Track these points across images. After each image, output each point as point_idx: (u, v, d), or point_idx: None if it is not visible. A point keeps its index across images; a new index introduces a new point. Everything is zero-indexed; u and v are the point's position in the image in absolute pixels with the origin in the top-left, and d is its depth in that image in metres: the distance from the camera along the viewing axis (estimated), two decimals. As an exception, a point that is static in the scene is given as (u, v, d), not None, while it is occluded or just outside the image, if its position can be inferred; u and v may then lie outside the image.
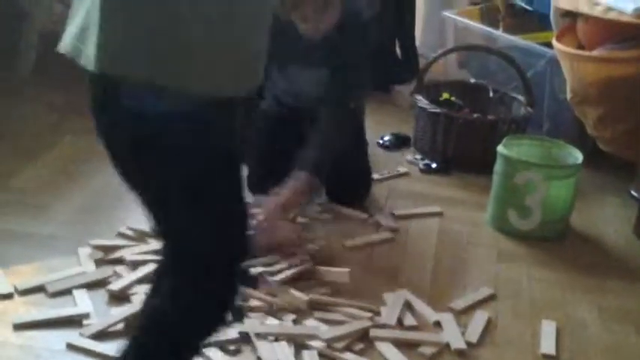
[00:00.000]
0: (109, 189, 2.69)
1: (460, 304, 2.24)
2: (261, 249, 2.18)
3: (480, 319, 2.19)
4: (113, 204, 2.57)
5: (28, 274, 2.18)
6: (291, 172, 2.36)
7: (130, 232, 2.40)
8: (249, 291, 2.09)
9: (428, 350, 2.04)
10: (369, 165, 2.80)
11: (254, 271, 2.19)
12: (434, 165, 3.10)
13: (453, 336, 2.09)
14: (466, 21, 3.67)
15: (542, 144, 2.82)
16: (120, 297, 2.12)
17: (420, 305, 2.21)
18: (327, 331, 2.04)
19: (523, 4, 3.51)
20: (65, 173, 2.77)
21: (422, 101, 3.09)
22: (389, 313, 2.15)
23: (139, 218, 2.49)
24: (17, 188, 2.65)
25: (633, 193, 2.70)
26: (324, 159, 2.39)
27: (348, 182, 2.65)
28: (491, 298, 2.30)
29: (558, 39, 2.99)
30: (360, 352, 2.00)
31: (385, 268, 2.41)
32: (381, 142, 3.22)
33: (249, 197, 2.12)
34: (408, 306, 2.21)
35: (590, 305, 2.33)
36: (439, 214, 2.76)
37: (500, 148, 2.68)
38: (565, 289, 2.40)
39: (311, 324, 2.08)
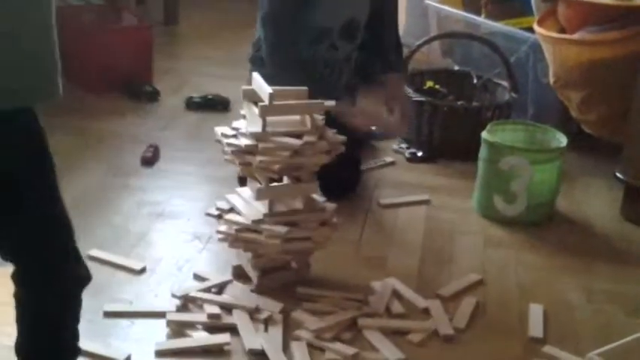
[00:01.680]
0: (95, 190, 2.70)
1: (448, 290, 2.25)
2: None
3: (467, 304, 2.19)
4: (99, 205, 2.58)
5: None
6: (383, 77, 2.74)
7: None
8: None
9: (416, 337, 2.04)
10: (359, 158, 2.82)
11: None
12: (420, 153, 3.10)
13: (441, 322, 2.10)
14: (448, 9, 3.67)
15: (527, 129, 2.83)
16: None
17: (407, 293, 2.22)
18: (315, 321, 2.04)
19: (505, -10, 3.52)
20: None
21: (406, 90, 3.09)
22: (377, 302, 2.16)
23: (124, 220, 2.53)
24: None
25: (619, 175, 2.71)
26: (402, 59, 2.84)
27: (340, 176, 2.65)
28: (479, 283, 2.31)
29: (540, 23, 2.99)
30: (349, 342, 2.00)
31: (373, 257, 2.42)
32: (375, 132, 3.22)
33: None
34: (395, 294, 2.22)
35: (577, 288, 2.34)
36: (426, 202, 2.77)
37: (484, 134, 2.68)
38: (552, 273, 2.41)
39: (299, 316, 2.08)
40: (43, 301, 1.53)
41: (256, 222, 2.10)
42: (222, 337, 1.98)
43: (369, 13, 2.68)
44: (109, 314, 2.05)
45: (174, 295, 2.11)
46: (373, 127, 2.89)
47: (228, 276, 2.24)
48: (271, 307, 2.10)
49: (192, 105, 3.42)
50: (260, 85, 2.11)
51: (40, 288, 1.51)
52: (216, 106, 3.41)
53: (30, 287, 1.52)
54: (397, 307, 2.16)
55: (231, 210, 2.19)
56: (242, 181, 2.45)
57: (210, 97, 3.45)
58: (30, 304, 1.54)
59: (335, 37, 2.63)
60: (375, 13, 2.71)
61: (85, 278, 1.56)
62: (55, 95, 1.44)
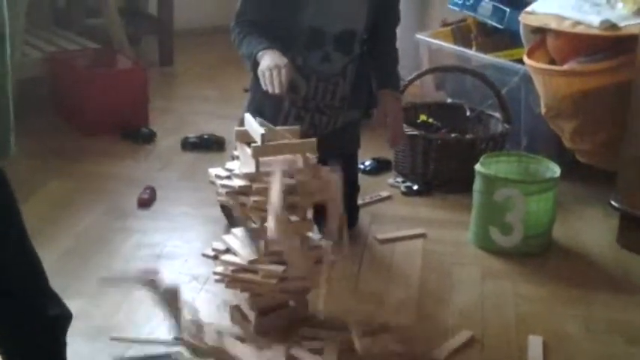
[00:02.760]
0: (93, 233, 2.71)
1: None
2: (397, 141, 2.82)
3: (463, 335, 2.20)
4: (97, 248, 2.59)
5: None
6: (377, 93, 2.70)
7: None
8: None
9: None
10: (357, 204, 2.84)
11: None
12: (415, 187, 3.12)
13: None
14: (439, 42, 3.71)
15: (520, 160, 2.84)
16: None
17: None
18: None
19: (494, 23, 3.55)
20: (48, 218, 2.78)
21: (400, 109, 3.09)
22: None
23: (123, 262, 2.54)
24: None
25: (613, 203, 2.72)
26: (398, 76, 2.81)
27: None
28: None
29: (529, 55, 3.02)
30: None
31: (371, 293, 2.42)
32: (362, 167, 3.23)
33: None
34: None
35: (576, 318, 2.34)
36: (422, 236, 2.77)
37: (477, 167, 2.70)
38: (550, 303, 2.41)
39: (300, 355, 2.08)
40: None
41: (252, 262, 2.11)
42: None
43: (365, 25, 2.63)
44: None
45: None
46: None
47: (226, 317, 2.24)
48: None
49: (187, 145, 3.44)
50: (252, 126, 2.12)
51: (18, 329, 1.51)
52: (212, 145, 3.43)
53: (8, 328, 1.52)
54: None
55: (228, 250, 2.20)
56: (228, 214, 2.46)
57: (205, 136, 3.48)
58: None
59: (329, 47, 2.59)
60: (375, 27, 2.68)
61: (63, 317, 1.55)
62: (7, 154, 1.43)
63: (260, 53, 2.42)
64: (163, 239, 2.68)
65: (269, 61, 2.37)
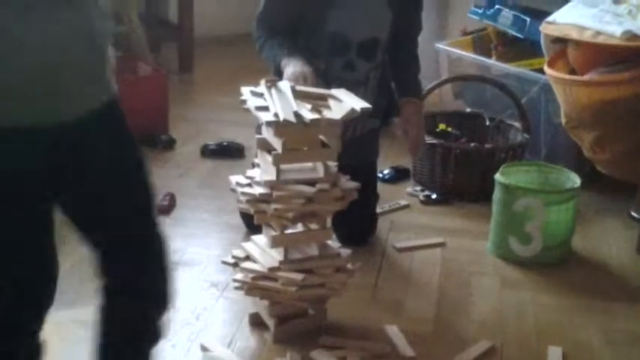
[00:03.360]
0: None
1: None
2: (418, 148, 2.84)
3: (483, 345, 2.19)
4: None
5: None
6: (399, 101, 2.73)
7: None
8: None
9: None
10: (376, 213, 2.84)
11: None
12: (434, 196, 3.12)
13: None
14: (459, 51, 3.71)
15: (540, 170, 2.84)
16: None
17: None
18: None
19: (514, 33, 3.54)
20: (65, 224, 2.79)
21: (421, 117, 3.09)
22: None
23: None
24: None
25: (633, 213, 2.71)
26: (419, 84, 2.81)
27: (357, 227, 2.67)
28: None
29: (550, 65, 3.01)
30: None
31: (389, 302, 2.42)
32: (380, 175, 3.24)
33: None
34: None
35: (596, 329, 2.33)
36: (441, 245, 2.77)
37: (497, 176, 2.69)
38: (570, 314, 2.40)
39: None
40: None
41: (272, 269, 2.12)
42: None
43: (389, 33, 2.64)
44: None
45: None
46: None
47: (245, 324, 2.25)
48: None
49: (207, 152, 3.46)
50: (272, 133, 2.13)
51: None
52: (232, 152, 3.45)
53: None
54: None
55: (247, 258, 2.21)
56: (248, 221, 2.46)
57: (225, 143, 3.49)
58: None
59: (353, 54, 2.60)
60: (397, 35, 2.68)
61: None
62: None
63: (284, 61, 2.43)
64: (183, 246, 2.69)
65: (294, 68, 2.38)
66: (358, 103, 2.11)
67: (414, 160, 3.23)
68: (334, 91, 2.22)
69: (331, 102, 2.14)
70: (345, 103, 2.12)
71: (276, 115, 2.00)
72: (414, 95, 2.74)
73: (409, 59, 2.77)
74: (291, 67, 2.39)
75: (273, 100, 2.08)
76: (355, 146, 2.64)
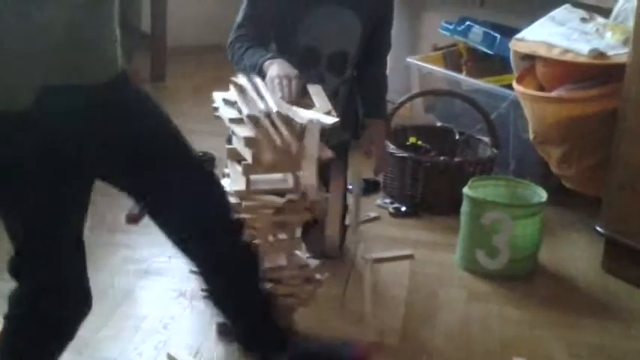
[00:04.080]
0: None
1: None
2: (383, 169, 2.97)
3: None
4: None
5: None
6: (366, 120, 2.75)
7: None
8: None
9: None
10: (345, 225, 2.85)
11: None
12: (403, 208, 3.14)
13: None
14: (430, 66, 3.75)
15: (507, 184, 2.87)
16: None
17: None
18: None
19: (484, 49, 3.59)
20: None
21: (389, 146, 3.13)
22: None
23: (109, 277, 2.53)
24: None
25: (598, 228, 2.74)
26: (386, 104, 2.83)
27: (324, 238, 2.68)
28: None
29: (519, 81, 3.06)
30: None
31: (357, 313, 2.43)
32: (350, 188, 3.25)
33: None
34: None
35: (560, 342, 2.35)
36: (410, 257, 2.79)
37: (465, 190, 2.72)
38: (535, 327, 2.43)
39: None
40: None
41: (240, 279, 2.12)
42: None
43: (358, 48, 2.65)
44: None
45: None
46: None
47: (213, 334, 2.25)
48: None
49: (178, 162, 3.44)
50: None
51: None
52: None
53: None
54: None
55: (216, 267, 2.21)
56: None
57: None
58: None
59: (322, 68, 2.61)
60: (365, 53, 2.70)
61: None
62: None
63: (267, 62, 2.37)
64: (151, 255, 2.69)
65: (278, 69, 2.31)
66: (328, 118, 2.12)
67: (384, 173, 3.25)
68: (310, 88, 2.22)
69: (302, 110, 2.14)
70: (317, 112, 2.13)
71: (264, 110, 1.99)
72: (380, 116, 2.77)
73: (377, 78, 2.78)
74: (276, 68, 2.32)
75: (247, 99, 2.08)
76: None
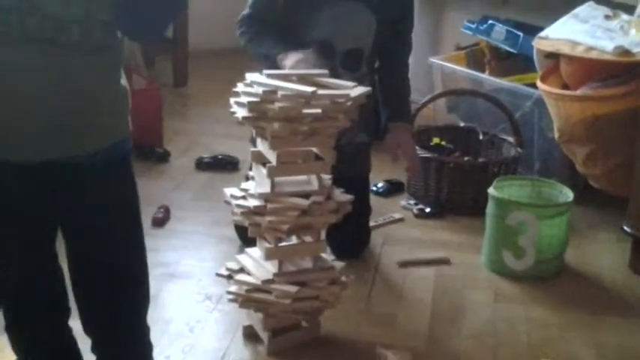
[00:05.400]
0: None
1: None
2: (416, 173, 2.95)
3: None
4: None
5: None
6: (388, 124, 2.73)
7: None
8: None
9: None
10: (369, 225, 2.85)
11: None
12: (428, 209, 3.13)
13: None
14: (453, 66, 3.73)
15: (533, 184, 2.85)
16: None
17: None
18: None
19: (507, 48, 3.57)
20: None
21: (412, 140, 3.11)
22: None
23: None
24: None
25: (626, 228, 2.72)
26: (410, 107, 2.82)
27: (350, 240, 2.67)
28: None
29: (543, 80, 3.03)
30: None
31: (383, 315, 2.42)
32: (374, 189, 3.25)
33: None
34: None
35: (588, 343, 2.34)
36: (446, 262, 2.77)
37: (490, 190, 2.71)
38: (562, 328, 2.41)
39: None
40: None
41: (266, 282, 2.12)
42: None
43: (373, 46, 2.64)
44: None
45: None
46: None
47: (239, 337, 2.26)
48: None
49: (202, 165, 3.47)
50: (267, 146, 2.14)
51: None
52: (226, 165, 3.46)
53: None
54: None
55: (241, 270, 2.21)
56: (242, 234, 2.47)
57: (219, 157, 3.50)
58: None
59: (337, 63, 2.59)
60: (388, 55, 2.71)
61: None
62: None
63: (281, 55, 2.41)
64: (177, 258, 2.70)
65: (296, 57, 2.36)
66: (361, 88, 2.12)
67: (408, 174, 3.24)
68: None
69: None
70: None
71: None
72: (405, 120, 2.76)
73: (399, 81, 2.77)
74: (293, 56, 2.36)
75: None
76: (346, 161, 2.64)
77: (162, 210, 2.98)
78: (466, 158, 3.19)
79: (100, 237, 1.62)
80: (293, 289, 2.10)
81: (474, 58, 3.77)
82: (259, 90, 2.01)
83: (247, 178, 2.25)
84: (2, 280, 1.68)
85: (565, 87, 2.98)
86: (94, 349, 1.79)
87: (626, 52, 2.74)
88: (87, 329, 1.76)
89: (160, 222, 2.91)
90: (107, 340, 1.76)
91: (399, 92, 2.77)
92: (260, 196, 2.09)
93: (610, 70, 2.82)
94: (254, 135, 2.17)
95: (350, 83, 2.14)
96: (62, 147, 1.51)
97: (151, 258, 2.66)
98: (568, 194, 2.73)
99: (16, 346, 1.79)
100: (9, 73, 1.44)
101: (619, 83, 2.80)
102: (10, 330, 1.76)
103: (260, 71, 2.17)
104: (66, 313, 1.80)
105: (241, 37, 2.61)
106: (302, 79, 2.12)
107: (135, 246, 1.71)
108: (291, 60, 2.37)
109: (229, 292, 2.20)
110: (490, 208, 2.71)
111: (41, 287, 1.70)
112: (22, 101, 1.45)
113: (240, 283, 2.17)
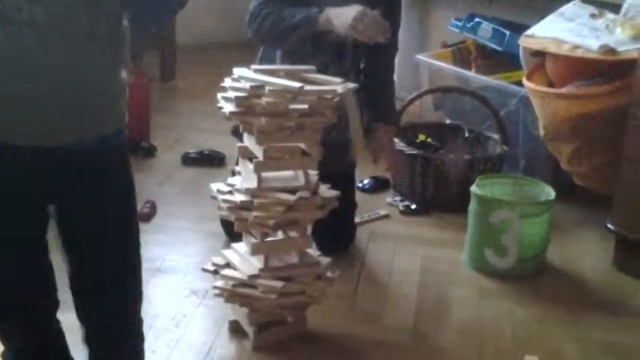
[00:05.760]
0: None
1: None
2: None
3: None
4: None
5: None
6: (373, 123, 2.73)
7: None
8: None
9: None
10: (354, 222, 2.87)
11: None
12: (413, 206, 3.14)
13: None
14: (439, 63, 3.74)
15: (515, 182, 2.87)
16: None
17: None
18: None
19: (494, 46, 3.59)
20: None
21: (399, 144, 3.13)
22: None
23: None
24: None
25: (609, 225, 2.74)
26: (394, 109, 2.86)
27: (335, 236, 2.68)
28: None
29: (528, 78, 3.05)
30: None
31: (368, 311, 2.43)
32: (360, 185, 3.26)
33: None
34: None
35: (571, 339, 2.35)
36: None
37: (473, 188, 2.72)
38: (546, 324, 2.42)
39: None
40: None
41: (252, 277, 2.13)
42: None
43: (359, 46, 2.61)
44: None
45: None
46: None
47: (224, 332, 2.26)
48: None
49: (188, 160, 3.47)
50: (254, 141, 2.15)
51: None
52: (213, 161, 3.46)
53: None
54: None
55: (227, 265, 2.22)
56: (229, 229, 2.47)
57: (206, 152, 3.50)
58: None
59: (327, 55, 2.59)
60: (375, 55, 2.69)
61: None
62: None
63: (324, 13, 2.39)
64: (163, 253, 2.70)
65: (349, 11, 2.35)
66: (349, 84, 2.13)
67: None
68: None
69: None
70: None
71: None
72: (389, 122, 2.78)
73: (384, 83, 2.78)
74: (344, 11, 2.35)
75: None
76: (332, 156, 2.63)
77: (148, 205, 2.98)
78: (451, 155, 3.21)
79: (98, 224, 1.64)
80: (279, 284, 2.10)
81: (461, 55, 3.79)
82: (247, 85, 2.02)
83: (234, 174, 2.25)
84: None
85: (551, 85, 3.00)
86: (87, 339, 1.78)
87: (611, 50, 2.76)
88: (82, 317, 1.76)
89: (146, 217, 2.91)
90: (102, 330, 1.76)
91: (385, 94, 2.79)
92: (246, 191, 2.09)
93: (596, 69, 2.84)
94: (238, 127, 2.17)
95: (337, 79, 2.15)
96: (65, 133, 1.54)
97: (137, 252, 2.69)
98: (550, 192, 2.74)
99: (4, 336, 1.78)
100: (16, 60, 1.46)
101: (604, 81, 2.82)
102: None
103: (248, 66, 2.17)
104: (54, 305, 1.80)
105: (266, 19, 2.50)
106: (289, 75, 2.13)
107: (132, 232, 1.73)
108: (347, 12, 2.35)
109: (215, 287, 2.21)
110: (473, 206, 2.72)
111: (30, 279, 1.70)
112: (29, 87, 1.48)
113: (226, 278, 2.18)
